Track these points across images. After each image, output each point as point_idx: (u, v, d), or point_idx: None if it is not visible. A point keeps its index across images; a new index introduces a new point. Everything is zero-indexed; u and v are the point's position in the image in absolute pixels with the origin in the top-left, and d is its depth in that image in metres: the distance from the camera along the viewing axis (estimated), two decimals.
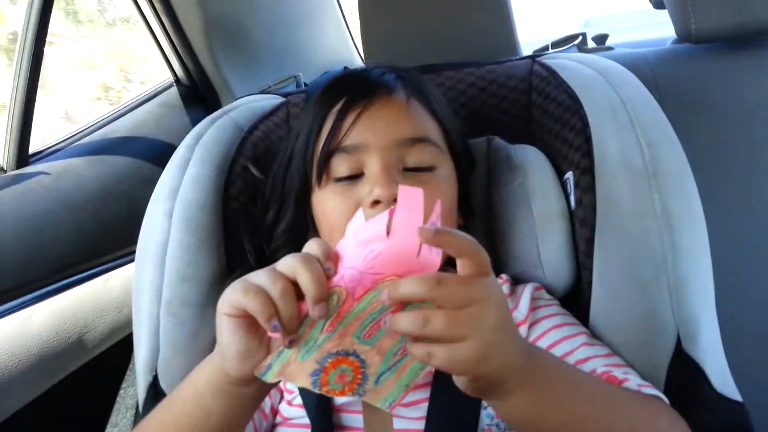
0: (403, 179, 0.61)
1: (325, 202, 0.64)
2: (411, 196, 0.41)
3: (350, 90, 0.66)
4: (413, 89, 0.68)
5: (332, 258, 0.43)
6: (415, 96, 0.67)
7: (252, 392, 0.48)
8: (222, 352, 0.45)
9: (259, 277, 0.43)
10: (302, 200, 0.68)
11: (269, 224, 0.72)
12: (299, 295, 0.42)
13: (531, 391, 0.43)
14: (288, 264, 0.42)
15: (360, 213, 0.44)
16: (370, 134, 0.62)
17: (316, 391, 0.43)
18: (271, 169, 0.75)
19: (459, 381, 0.43)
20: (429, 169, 0.64)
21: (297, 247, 0.69)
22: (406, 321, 0.40)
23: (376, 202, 0.58)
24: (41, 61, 1.00)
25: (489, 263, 0.41)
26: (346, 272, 0.42)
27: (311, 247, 0.44)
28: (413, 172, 0.63)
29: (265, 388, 0.50)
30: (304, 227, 0.70)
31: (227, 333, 0.44)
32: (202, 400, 0.48)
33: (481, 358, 0.39)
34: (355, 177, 0.63)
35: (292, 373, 0.42)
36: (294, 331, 0.42)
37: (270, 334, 0.43)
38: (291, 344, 0.42)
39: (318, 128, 0.66)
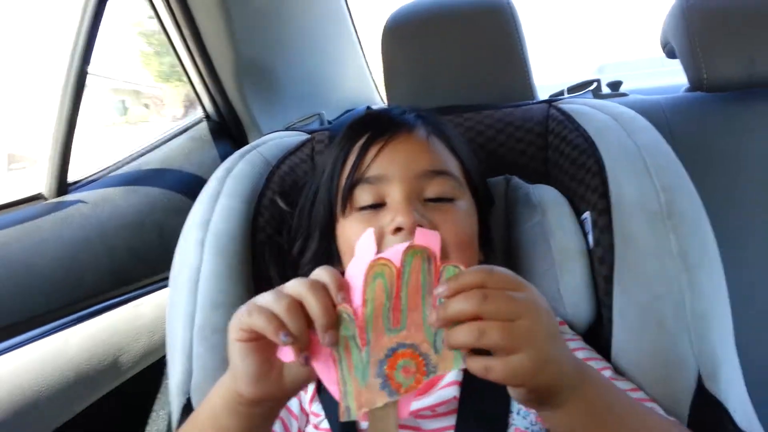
0: (423, 209, 0.63)
1: (349, 229, 0.66)
2: (427, 237, 0.44)
3: (373, 127, 0.70)
4: (433, 127, 0.71)
5: (344, 287, 0.44)
6: (435, 133, 0.71)
7: (263, 411, 0.50)
8: (235, 375, 0.47)
9: (264, 297, 0.45)
10: (327, 231, 0.71)
11: (296, 255, 0.74)
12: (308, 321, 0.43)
13: (582, 404, 0.44)
14: (295, 287, 0.44)
15: (370, 231, 0.46)
16: (391, 166, 0.65)
17: (397, 398, 0.43)
18: (297, 202, 0.78)
19: (515, 392, 0.43)
20: (449, 200, 0.66)
21: None
22: (463, 334, 0.41)
23: (398, 230, 0.60)
24: (82, 96, 1.06)
25: (516, 277, 0.43)
26: (358, 309, 0.43)
27: (320, 274, 0.45)
28: (433, 203, 0.65)
29: (276, 409, 0.53)
30: (329, 257, 0.73)
31: (239, 357, 0.46)
32: (218, 421, 0.50)
33: (539, 369, 0.40)
34: (378, 206, 0.65)
35: (369, 400, 0.43)
36: (306, 345, 0.43)
37: (280, 355, 0.44)
38: (307, 362, 0.43)
39: (342, 161, 0.69)
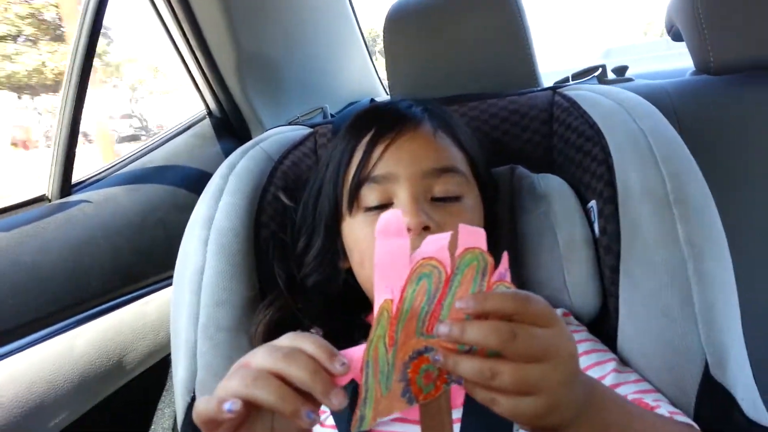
0: (431, 209, 0.63)
1: (356, 230, 0.66)
2: (474, 236, 0.41)
3: (379, 122, 0.69)
4: (440, 121, 0.71)
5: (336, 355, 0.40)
6: (441, 128, 0.70)
7: None
8: None
9: (259, 356, 0.40)
10: (332, 228, 0.71)
11: (300, 252, 0.74)
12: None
13: (585, 427, 0.42)
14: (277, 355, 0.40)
15: (398, 214, 0.42)
16: (398, 165, 0.65)
17: (415, 405, 0.40)
18: (300, 198, 0.78)
19: (519, 425, 0.41)
20: (456, 198, 0.65)
21: (326, 274, 0.72)
22: (472, 370, 0.38)
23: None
24: (85, 97, 1.06)
25: (550, 312, 0.39)
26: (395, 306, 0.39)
27: (307, 346, 0.40)
28: (441, 202, 0.65)
29: None
30: (333, 254, 0.72)
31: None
32: None
33: (546, 414, 0.38)
34: (385, 206, 0.65)
35: (386, 409, 0.40)
36: (331, 396, 0.38)
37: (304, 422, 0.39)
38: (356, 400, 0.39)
39: (348, 159, 0.69)
